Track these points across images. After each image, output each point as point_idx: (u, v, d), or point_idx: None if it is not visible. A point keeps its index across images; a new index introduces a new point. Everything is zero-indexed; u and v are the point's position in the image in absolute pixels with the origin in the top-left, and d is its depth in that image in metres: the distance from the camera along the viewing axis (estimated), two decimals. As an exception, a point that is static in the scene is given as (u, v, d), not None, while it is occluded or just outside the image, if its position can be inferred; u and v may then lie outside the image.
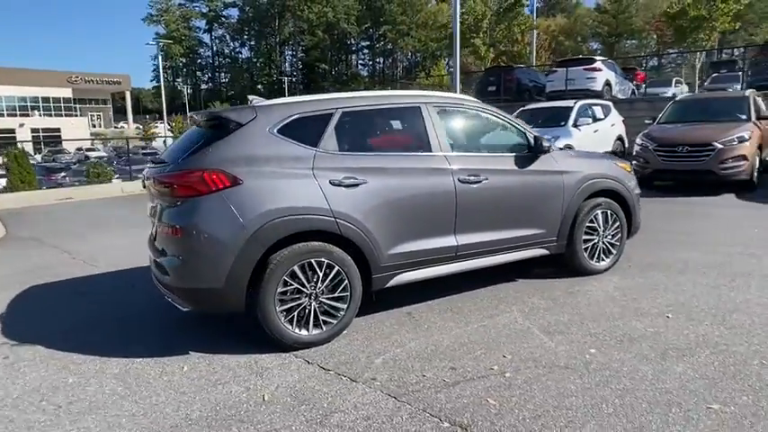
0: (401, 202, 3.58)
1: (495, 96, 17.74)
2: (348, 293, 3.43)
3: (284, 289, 3.23)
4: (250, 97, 3.85)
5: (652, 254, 5.16)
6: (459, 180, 3.80)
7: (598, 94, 15.69)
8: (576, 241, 4.43)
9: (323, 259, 3.32)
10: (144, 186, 3.80)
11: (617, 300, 3.99)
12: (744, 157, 7.92)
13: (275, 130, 3.35)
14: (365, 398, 2.74)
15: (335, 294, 3.39)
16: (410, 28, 74.12)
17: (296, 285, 3.26)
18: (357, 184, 3.43)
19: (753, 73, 12.52)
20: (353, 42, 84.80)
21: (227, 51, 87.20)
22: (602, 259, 4.63)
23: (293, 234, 3.23)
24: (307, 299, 3.31)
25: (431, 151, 3.79)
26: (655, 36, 63.28)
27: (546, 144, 4.18)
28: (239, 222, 3.09)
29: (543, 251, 4.33)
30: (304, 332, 3.32)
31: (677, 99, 10.34)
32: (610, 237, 4.63)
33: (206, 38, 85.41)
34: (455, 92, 15.45)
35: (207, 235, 3.08)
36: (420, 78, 46.71)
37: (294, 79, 78.40)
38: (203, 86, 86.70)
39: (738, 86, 19.37)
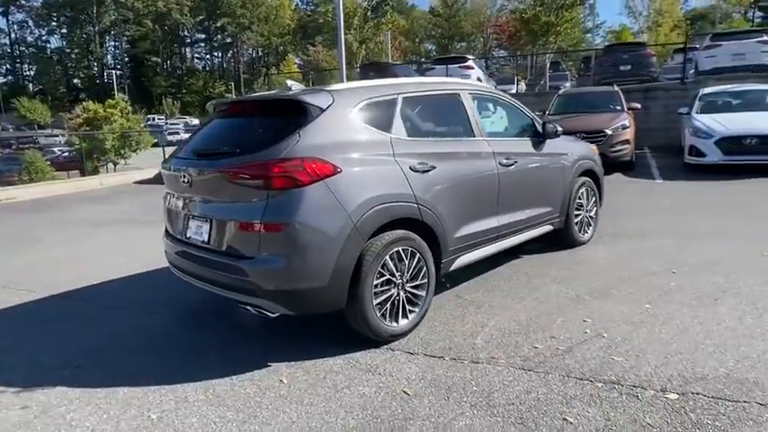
0: (462, 186, 3.66)
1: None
2: (426, 280, 3.41)
3: (377, 281, 3.10)
4: (289, 83, 3.66)
5: (609, 225, 5.96)
6: (500, 164, 4.00)
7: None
8: (571, 216, 4.95)
9: (408, 247, 3.25)
10: (171, 179, 3.35)
11: (621, 264, 4.58)
12: (627, 142, 9.53)
13: (352, 115, 3.18)
14: (505, 376, 2.79)
15: (417, 282, 3.35)
16: (251, 22, 71.77)
17: (387, 276, 3.15)
18: (429, 170, 3.42)
19: (599, 72, 14.90)
20: (188, 35, 79.16)
21: (30, 39, 74.66)
22: (586, 231, 5.26)
23: (385, 223, 3.11)
24: (395, 289, 3.22)
25: (474, 136, 3.93)
26: (482, 39, 70.89)
27: (555, 129, 4.59)
28: (344, 213, 2.88)
29: (550, 227, 4.76)
30: (395, 324, 3.23)
31: (560, 93, 11.85)
32: (591, 211, 5.26)
33: (1, 22, 72.12)
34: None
35: (313, 229, 2.81)
36: (271, 74, 45.63)
37: (120, 73, 70.40)
38: (0, 80, 72.94)
39: (567, 83, 22.87)
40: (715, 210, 6.64)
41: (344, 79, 15.23)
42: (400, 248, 3.20)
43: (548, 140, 4.63)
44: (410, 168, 3.30)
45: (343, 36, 15.19)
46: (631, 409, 2.41)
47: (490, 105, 4.49)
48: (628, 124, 9.64)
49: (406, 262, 3.24)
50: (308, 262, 2.82)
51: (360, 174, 3.02)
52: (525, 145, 4.45)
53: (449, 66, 16.55)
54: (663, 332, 3.19)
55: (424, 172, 3.39)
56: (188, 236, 3.30)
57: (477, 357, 3.01)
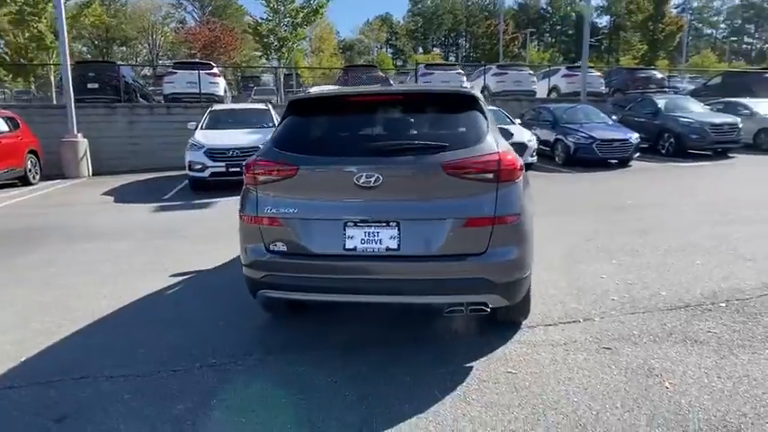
0: None
1: (96, 95, 15.39)
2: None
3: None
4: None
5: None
6: None
7: (221, 100, 16.50)
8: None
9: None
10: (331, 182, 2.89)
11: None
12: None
13: None
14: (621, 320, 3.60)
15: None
16: None
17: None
18: None
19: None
20: None
21: None
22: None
23: None
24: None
25: None
26: (147, 45, 66.07)
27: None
28: (532, 203, 3.11)
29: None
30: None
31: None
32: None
33: None
34: (65, 86, 12.82)
35: (529, 218, 2.96)
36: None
37: None
38: None
39: (275, 97, 24.38)
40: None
41: (69, 80, 12.60)
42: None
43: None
44: None
45: (65, 32, 12.40)
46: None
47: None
48: None
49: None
50: (528, 251, 2.96)
51: None
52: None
53: (190, 71, 15.62)
54: (652, 272, 4.56)
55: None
56: (350, 247, 2.83)
57: (627, 341, 3.67)
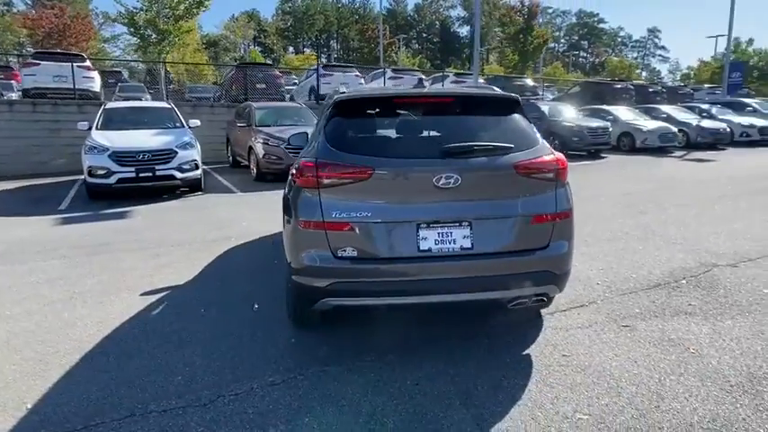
0: None
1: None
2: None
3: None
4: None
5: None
6: None
7: (96, 96, 14.83)
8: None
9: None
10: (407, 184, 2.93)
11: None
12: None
13: None
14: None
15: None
16: None
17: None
18: None
19: (235, 89, 15.95)
20: None
21: None
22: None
23: None
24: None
25: None
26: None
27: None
28: None
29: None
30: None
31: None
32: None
33: None
34: None
35: (573, 214, 3.25)
36: None
37: None
38: None
39: (146, 96, 22.56)
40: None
41: None
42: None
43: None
44: None
45: None
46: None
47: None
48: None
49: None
50: (574, 244, 3.27)
51: None
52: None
53: (57, 63, 13.76)
54: (611, 259, 5.22)
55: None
56: (425, 248, 2.89)
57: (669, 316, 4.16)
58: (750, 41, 47.85)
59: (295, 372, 3.01)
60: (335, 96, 3.28)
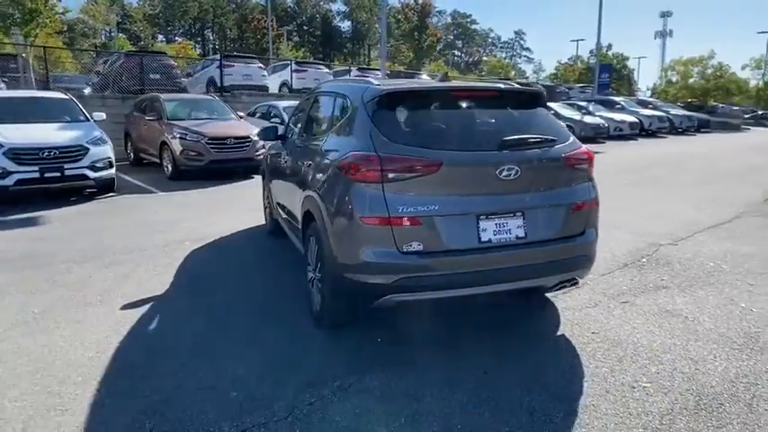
0: None
1: None
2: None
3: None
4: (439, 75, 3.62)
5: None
6: None
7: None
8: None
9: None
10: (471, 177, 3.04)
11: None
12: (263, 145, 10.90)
13: None
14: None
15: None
16: None
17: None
18: None
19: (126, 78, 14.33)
20: None
21: None
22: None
23: None
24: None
25: None
26: None
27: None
28: None
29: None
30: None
31: None
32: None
33: None
34: None
35: None
36: None
37: None
38: None
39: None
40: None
41: None
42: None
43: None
44: None
45: None
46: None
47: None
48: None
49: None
50: None
51: None
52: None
53: None
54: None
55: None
56: (486, 240, 2.99)
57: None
58: (609, 46, 54.66)
59: (362, 372, 2.93)
60: (382, 88, 3.21)
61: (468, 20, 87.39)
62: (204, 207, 7.77)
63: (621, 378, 2.90)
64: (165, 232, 6.15)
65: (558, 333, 3.48)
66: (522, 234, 3.05)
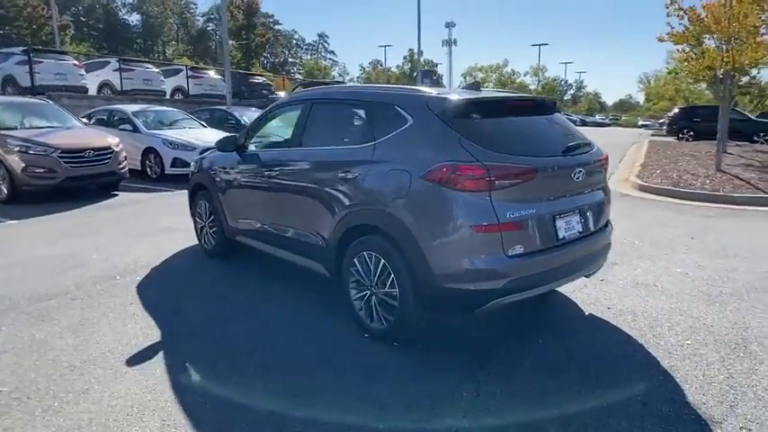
0: None
1: None
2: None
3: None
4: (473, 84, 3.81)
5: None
6: None
7: None
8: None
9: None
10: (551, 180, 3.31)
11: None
12: (125, 157, 9.43)
13: None
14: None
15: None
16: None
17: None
18: None
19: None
20: None
21: None
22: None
23: None
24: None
25: None
26: None
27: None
28: None
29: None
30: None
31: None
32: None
33: None
34: None
35: None
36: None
37: None
38: None
39: None
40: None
41: None
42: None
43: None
44: None
45: None
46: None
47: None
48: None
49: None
50: None
51: None
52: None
53: None
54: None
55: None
56: (561, 237, 3.29)
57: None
58: (421, 53, 59.37)
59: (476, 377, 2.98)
60: (457, 97, 3.28)
61: (271, 20, 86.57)
62: (90, 233, 6.55)
63: (663, 340, 3.48)
64: (76, 268, 5.10)
65: (588, 312, 3.97)
66: (581, 229, 3.43)
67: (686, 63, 14.22)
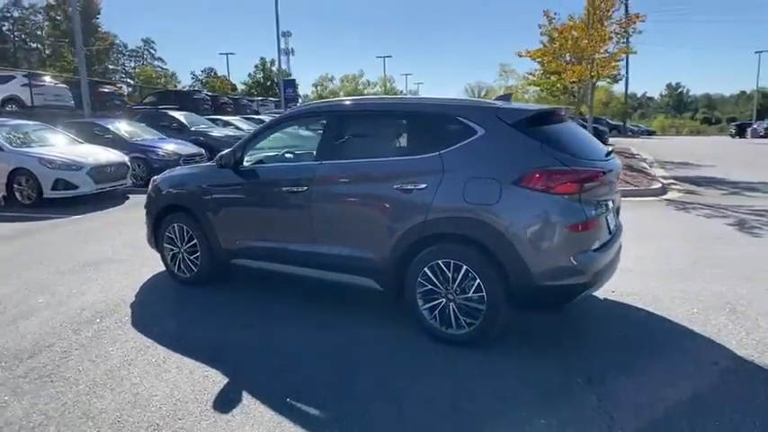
0: None
1: None
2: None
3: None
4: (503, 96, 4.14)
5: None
6: None
7: None
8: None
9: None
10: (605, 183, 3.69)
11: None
12: None
13: None
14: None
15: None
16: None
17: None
18: None
19: None
20: None
21: None
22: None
23: None
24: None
25: None
26: None
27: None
28: None
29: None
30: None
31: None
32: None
33: None
34: None
35: None
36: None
37: None
38: None
39: None
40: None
41: None
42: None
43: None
44: None
45: None
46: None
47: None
48: None
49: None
50: None
51: None
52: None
53: None
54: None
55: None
56: (611, 230, 3.74)
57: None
58: (272, 62, 58.07)
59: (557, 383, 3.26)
60: (525, 108, 3.55)
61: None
62: (23, 269, 5.42)
63: (674, 311, 4.15)
64: (48, 308, 4.30)
65: (603, 296, 4.50)
66: (612, 225, 3.92)
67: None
